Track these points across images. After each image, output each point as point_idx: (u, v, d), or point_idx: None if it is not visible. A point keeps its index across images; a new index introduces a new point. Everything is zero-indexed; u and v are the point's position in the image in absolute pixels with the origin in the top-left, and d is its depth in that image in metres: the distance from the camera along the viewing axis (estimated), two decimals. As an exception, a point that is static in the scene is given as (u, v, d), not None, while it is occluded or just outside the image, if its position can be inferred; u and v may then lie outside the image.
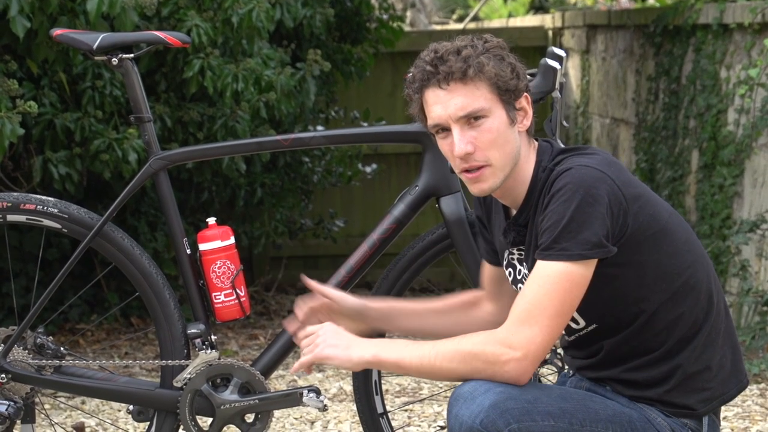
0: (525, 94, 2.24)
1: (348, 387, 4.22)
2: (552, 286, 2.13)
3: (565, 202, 2.14)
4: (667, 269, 2.21)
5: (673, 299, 2.22)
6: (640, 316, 2.21)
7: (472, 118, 2.19)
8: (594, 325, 2.26)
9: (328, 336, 2.23)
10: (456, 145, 2.20)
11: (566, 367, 2.52)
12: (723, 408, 2.45)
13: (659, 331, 2.22)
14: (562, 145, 2.34)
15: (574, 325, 2.27)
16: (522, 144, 2.25)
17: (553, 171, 2.21)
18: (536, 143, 2.30)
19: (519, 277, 2.35)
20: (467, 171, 2.23)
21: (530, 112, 2.26)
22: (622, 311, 2.22)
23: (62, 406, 3.95)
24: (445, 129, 2.22)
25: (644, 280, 2.20)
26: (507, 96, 2.21)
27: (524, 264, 2.32)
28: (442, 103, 2.20)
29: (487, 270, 2.49)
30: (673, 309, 2.22)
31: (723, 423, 3.61)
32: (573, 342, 2.31)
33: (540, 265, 2.16)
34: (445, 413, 3.87)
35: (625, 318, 2.22)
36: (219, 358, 2.84)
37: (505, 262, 2.39)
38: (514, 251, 2.34)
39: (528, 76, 2.49)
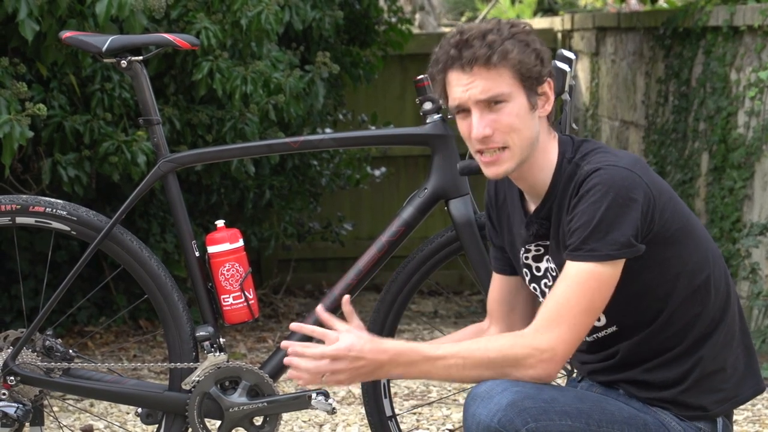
0: (548, 79, 2.24)
1: (357, 390, 4.21)
2: (579, 286, 2.14)
3: (594, 203, 2.14)
4: (688, 266, 2.21)
5: (693, 297, 2.22)
6: (661, 315, 2.22)
7: (492, 102, 2.20)
8: (614, 327, 2.26)
9: (353, 367, 2.15)
10: (474, 128, 2.20)
11: (575, 371, 2.52)
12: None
13: (678, 331, 2.22)
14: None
15: (596, 323, 2.26)
16: (542, 130, 2.25)
17: (579, 167, 2.21)
18: (556, 133, 2.29)
19: (538, 275, 2.34)
20: (481, 153, 2.23)
21: (552, 97, 2.26)
22: (645, 309, 2.22)
23: (71, 408, 3.95)
24: (465, 110, 2.23)
25: (667, 277, 2.20)
26: (529, 82, 2.21)
27: (544, 259, 2.30)
28: (463, 86, 2.20)
29: (498, 284, 2.46)
30: (692, 307, 2.22)
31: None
32: (591, 343, 2.30)
33: (568, 265, 2.16)
34: (453, 416, 3.86)
35: (647, 317, 2.22)
36: (227, 361, 2.84)
37: (520, 263, 2.37)
38: (531, 248, 2.32)
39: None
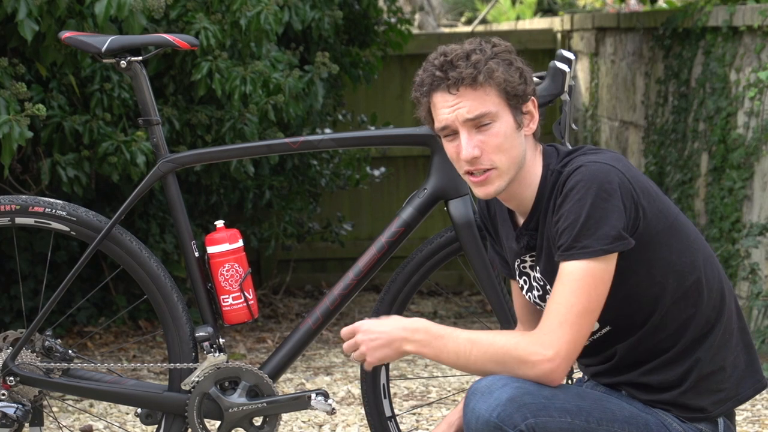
0: (532, 98, 2.24)
1: (356, 390, 4.21)
2: (577, 284, 2.14)
3: (579, 200, 2.14)
4: (677, 267, 2.21)
5: (685, 298, 2.22)
6: (653, 317, 2.22)
7: (479, 122, 2.20)
8: (608, 328, 2.26)
9: (368, 339, 2.24)
10: (464, 149, 2.21)
11: (578, 372, 2.52)
12: (733, 412, 2.46)
13: (672, 332, 2.22)
14: (569, 147, 2.34)
15: None
16: (528, 148, 2.26)
17: (562, 172, 2.21)
18: (541, 147, 2.30)
19: (534, 284, 2.35)
20: (472, 174, 2.23)
21: (536, 116, 2.26)
22: (636, 311, 2.22)
23: (70, 408, 3.95)
24: (453, 132, 2.23)
25: (656, 279, 2.20)
26: (515, 101, 2.21)
27: (536, 269, 2.32)
28: (450, 107, 2.20)
29: (516, 288, 2.47)
30: (685, 309, 2.22)
31: (733, 427, 3.59)
32: (588, 346, 2.30)
33: (563, 266, 2.17)
34: (453, 417, 3.86)
35: (639, 319, 2.22)
36: (227, 361, 2.84)
37: (517, 273, 2.38)
38: (527, 258, 2.33)
39: (536, 80, 2.48)
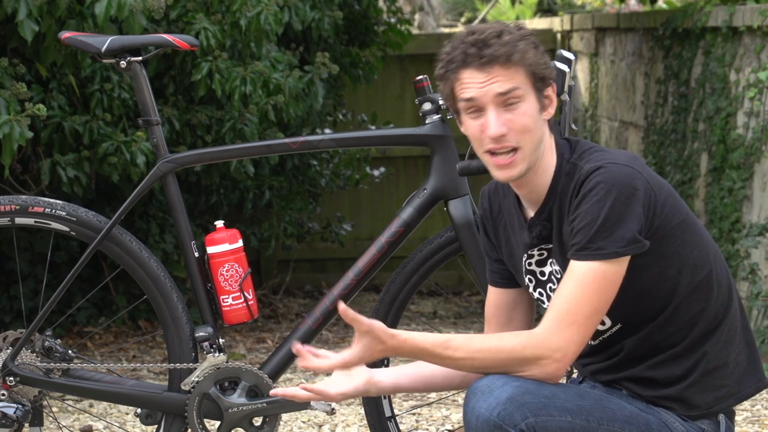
0: (552, 83, 2.25)
1: (356, 390, 4.21)
2: (588, 286, 2.14)
3: (598, 202, 2.15)
4: (690, 261, 2.22)
5: (696, 293, 2.23)
6: (665, 311, 2.22)
7: (508, 100, 2.19)
8: (619, 325, 2.26)
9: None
10: (491, 126, 2.19)
11: (575, 372, 2.51)
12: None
13: (681, 326, 2.23)
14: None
15: (600, 327, 2.26)
16: (545, 132, 2.26)
17: (577, 166, 2.21)
18: (554, 136, 2.30)
19: (543, 279, 2.33)
20: (494, 154, 2.21)
21: (555, 101, 2.27)
22: (648, 306, 2.22)
23: (70, 409, 3.95)
24: (477, 109, 2.21)
25: (669, 273, 2.21)
26: (540, 83, 2.22)
27: (548, 263, 2.30)
28: (480, 83, 2.19)
29: (494, 297, 2.44)
30: (696, 303, 2.23)
31: (732, 427, 3.60)
32: (596, 345, 2.30)
33: (575, 264, 2.17)
34: (452, 417, 3.86)
35: (650, 313, 2.23)
36: (227, 362, 2.84)
37: (522, 270, 2.37)
38: (534, 253, 2.32)
39: None
